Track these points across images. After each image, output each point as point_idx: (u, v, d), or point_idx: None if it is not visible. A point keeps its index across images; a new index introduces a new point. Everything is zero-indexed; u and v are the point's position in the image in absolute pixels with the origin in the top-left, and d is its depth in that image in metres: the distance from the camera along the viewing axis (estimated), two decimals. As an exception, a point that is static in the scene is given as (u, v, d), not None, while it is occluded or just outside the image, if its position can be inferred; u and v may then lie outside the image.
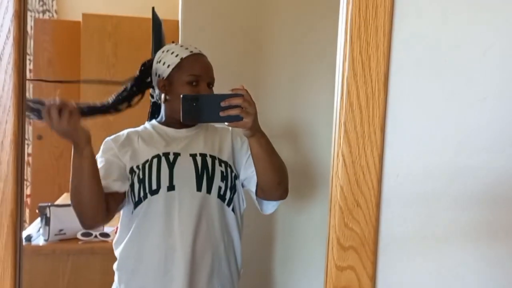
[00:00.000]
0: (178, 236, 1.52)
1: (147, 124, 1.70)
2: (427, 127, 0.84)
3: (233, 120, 1.34)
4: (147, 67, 1.71)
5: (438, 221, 0.86)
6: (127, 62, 3.89)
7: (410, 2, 0.81)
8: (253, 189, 1.60)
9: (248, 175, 1.60)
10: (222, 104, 1.33)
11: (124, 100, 1.68)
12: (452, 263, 0.88)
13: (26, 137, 4.50)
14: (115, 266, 1.62)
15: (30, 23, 4.48)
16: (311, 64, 2.31)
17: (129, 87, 1.69)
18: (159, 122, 1.69)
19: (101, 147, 1.63)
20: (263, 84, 2.32)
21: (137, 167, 1.56)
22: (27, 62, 4.51)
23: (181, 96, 1.35)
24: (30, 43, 4.41)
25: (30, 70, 4.45)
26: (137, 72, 1.72)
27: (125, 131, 1.67)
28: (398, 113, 0.84)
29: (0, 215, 0.76)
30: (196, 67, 1.61)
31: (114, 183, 1.54)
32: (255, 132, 1.42)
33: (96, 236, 2.44)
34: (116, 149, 1.59)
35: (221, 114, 1.33)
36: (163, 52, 1.68)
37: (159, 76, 1.66)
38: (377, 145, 0.82)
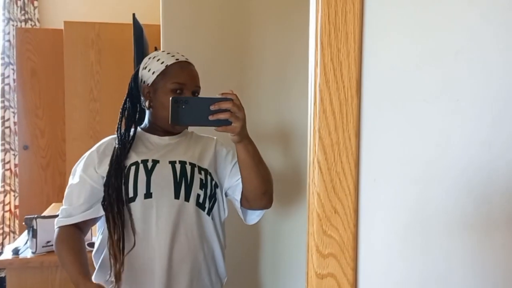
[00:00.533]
0: (155, 244, 1.52)
1: (131, 131, 1.69)
2: (402, 131, 0.83)
3: (222, 124, 1.34)
4: (135, 77, 1.70)
5: (417, 225, 0.86)
6: (111, 68, 3.88)
7: (378, 8, 0.80)
8: (238, 197, 1.59)
9: (233, 184, 1.60)
10: (212, 107, 1.32)
11: (132, 118, 1.68)
12: (435, 267, 0.88)
13: (13, 147, 4.47)
14: (93, 277, 1.60)
15: (12, 32, 4.45)
16: (295, 67, 2.31)
17: (125, 104, 1.68)
18: (143, 129, 1.68)
19: (84, 160, 1.62)
20: (247, 89, 2.31)
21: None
22: (10, 71, 4.48)
23: (171, 98, 1.35)
24: (13, 53, 4.38)
25: (14, 80, 4.42)
26: (129, 85, 1.71)
27: (107, 138, 1.67)
28: (372, 118, 0.84)
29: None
30: (181, 75, 1.60)
31: (89, 212, 1.56)
32: (243, 138, 1.42)
33: (84, 246, 2.43)
34: (96, 161, 1.59)
35: (210, 118, 1.32)
36: (149, 58, 1.68)
37: (144, 82, 1.66)
38: (352, 150, 0.82)
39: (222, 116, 1.33)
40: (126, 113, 1.67)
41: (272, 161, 1.59)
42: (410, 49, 0.83)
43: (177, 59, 1.64)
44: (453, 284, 0.86)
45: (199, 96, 1.63)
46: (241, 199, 1.60)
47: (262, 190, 1.54)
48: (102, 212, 1.55)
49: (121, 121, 1.67)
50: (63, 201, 1.62)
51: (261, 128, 2.29)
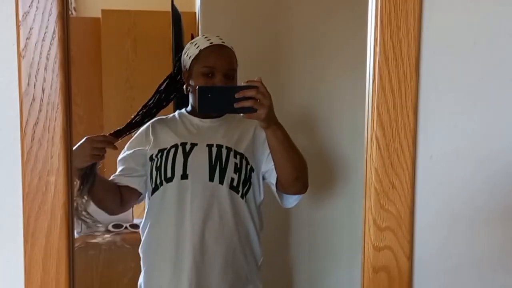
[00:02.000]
0: (188, 225, 1.57)
1: (176, 113, 1.75)
2: (459, 109, 0.85)
3: (247, 111, 1.36)
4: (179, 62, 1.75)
5: (471, 201, 0.88)
6: (147, 57, 3.94)
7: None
8: (274, 182, 1.61)
9: (269, 168, 1.62)
10: (236, 95, 1.35)
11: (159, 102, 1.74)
12: (486, 242, 0.90)
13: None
14: (139, 248, 1.71)
15: (50, 21, 4.55)
16: (329, 53, 2.32)
17: (159, 88, 1.74)
18: (187, 112, 1.73)
19: (136, 134, 1.69)
20: (282, 74, 2.33)
21: (156, 155, 1.63)
22: (49, 60, 4.59)
23: (197, 87, 1.39)
24: (51, 42, 4.48)
25: (52, 68, 4.52)
26: (172, 69, 1.76)
27: (153, 120, 1.72)
28: (430, 95, 0.86)
29: (54, 207, 0.80)
30: (211, 59, 1.63)
31: (127, 179, 1.65)
32: (270, 124, 1.43)
33: (126, 228, 2.51)
34: (144, 139, 1.67)
35: (236, 105, 1.35)
36: (190, 43, 1.72)
37: (184, 67, 1.70)
38: (410, 127, 0.84)
39: (246, 103, 1.36)
40: (158, 96, 1.73)
41: (304, 148, 1.59)
42: (467, 28, 0.85)
43: (211, 43, 1.67)
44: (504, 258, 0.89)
45: (236, 78, 1.65)
46: (276, 183, 1.62)
47: (294, 175, 1.55)
48: (136, 186, 1.66)
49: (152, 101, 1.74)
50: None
51: (292, 114, 2.30)
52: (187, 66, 1.68)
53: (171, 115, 1.76)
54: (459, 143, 0.87)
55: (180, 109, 1.77)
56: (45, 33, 0.78)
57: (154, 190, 1.63)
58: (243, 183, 1.62)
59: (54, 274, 0.81)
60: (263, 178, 1.69)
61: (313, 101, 2.34)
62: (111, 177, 1.69)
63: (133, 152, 1.67)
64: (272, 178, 1.62)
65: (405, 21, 0.81)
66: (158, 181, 1.61)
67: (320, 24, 2.31)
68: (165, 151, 1.62)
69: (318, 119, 2.35)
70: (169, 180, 1.60)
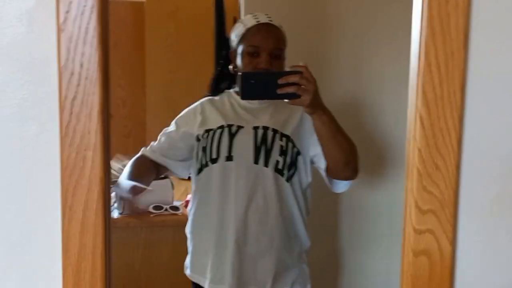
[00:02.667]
0: (232, 207, 1.57)
1: (225, 94, 1.74)
2: (510, 86, 0.81)
3: (291, 97, 1.34)
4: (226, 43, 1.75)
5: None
6: (189, 40, 3.96)
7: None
8: (323, 166, 1.58)
9: (318, 152, 1.57)
10: (279, 81, 1.32)
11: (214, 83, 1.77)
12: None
13: (96, 117, 4.69)
14: (186, 229, 1.73)
15: (95, 6, 4.63)
16: (376, 36, 2.26)
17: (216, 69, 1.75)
18: (236, 92, 1.71)
19: (186, 112, 1.72)
20: (328, 58, 2.29)
21: (202, 135, 1.63)
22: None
23: (239, 73, 1.37)
24: (96, 26, 4.56)
25: (97, 52, 4.61)
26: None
27: (203, 99, 1.72)
28: (479, 72, 0.81)
29: (90, 182, 0.80)
30: (256, 38, 1.60)
31: (171, 162, 1.69)
32: (316, 109, 1.39)
33: (166, 209, 2.53)
34: (192, 118, 1.69)
35: (279, 91, 1.33)
36: (238, 22, 1.70)
37: (231, 47, 1.68)
38: (457, 106, 0.80)
39: (289, 89, 1.33)
40: (214, 78, 1.74)
41: (354, 133, 1.54)
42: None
43: (258, 21, 1.64)
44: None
45: (283, 59, 1.62)
46: (325, 168, 1.59)
47: (343, 161, 1.51)
48: (179, 172, 1.71)
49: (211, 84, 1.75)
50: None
51: (339, 98, 2.25)
52: (233, 46, 1.66)
53: (220, 95, 1.75)
54: (509, 124, 0.82)
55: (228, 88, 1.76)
56: (84, 6, 0.77)
57: (200, 170, 1.63)
58: (289, 166, 1.59)
59: (91, 248, 0.82)
60: (312, 162, 1.65)
61: (361, 85, 2.29)
62: (153, 148, 1.70)
63: (182, 133, 1.68)
64: (321, 163, 1.59)
65: (454, -7, 0.77)
66: (204, 161, 1.61)
67: (370, 5, 2.24)
68: (211, 132, 1.62)
69: (366, 103, 2.30)
70: (214, 161, 1.60)
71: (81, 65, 0.79)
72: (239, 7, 2.77)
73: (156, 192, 2.62)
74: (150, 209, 2.52)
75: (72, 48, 0.78)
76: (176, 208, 2.53)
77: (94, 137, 0.80)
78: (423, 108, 0.81)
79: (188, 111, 1.72)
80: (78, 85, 0.79)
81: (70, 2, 0.77)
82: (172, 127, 1.72)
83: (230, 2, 2.91)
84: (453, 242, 0.84)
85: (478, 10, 0.80)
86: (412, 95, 0.83)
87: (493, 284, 0.87)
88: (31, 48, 0.81)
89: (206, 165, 1.60)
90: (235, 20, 2.82)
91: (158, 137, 1.73)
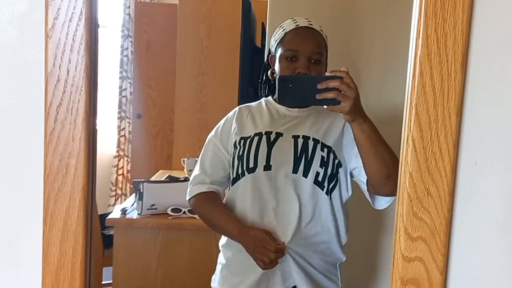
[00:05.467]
0: (269, 218, 1.52)
1: (262, 100, 1.70)
2: (510, 113, 0.76)
3: (330, 103, 1.28)
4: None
5: (521, 215, 0.79)
6: (220, 43, 3.97)
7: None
8: (364, 180, 1.49)
9: (358, 165, 1.49)
10: (319, 86, 1.27)
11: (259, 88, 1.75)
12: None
13: (128, 115, 4.76)
14: (220, 242, 1.67)
15: (132, 6, 4.70)
16: (406, 45, 2.19)
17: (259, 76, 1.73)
18: (274, 99, 1.66)
19: (223, 120, 1.69)
20: (362, 65, 2.22)
21: (239, 143, 1.58)
22: (129, 44, 4.75)
23: (277, 77, 1.33)
24: (132, 26, 4.64)
25: (131, 52, 4.68)
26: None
27: (241, 106, 1.69)
28: (477, 96, 0.77)
29: (73, 190, 0.80)
30: (294, 42, 1.53)
31: (215, 187, 1.63)
32: (356, 117, 1.31)
33: (185, 213, 2.53)
34: (229, 126, 1.65)
35: (318, 96, 1.27)
36: (278, 27, 1.64)
37: (270, 51, 1.65)
38: (452, 130, 0.76)
39: (329, 95, 1.28)
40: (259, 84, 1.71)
41: (397, 145, 1.43)
42: (527, 21, 0.75)
43: (297, 25, 1.57)
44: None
45: (324, 64, 1.57)
46: (367, 182, 1.49)
47: (384, 174, 1.40)
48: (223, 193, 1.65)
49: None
50: (197, 164, 1.70)
51: (381, 107, 2.17)
52: (272, 50, 1.63)
53: (257, 102, 1.71)
54: (509, 152, 0.77)
55: (266, 96, 1.72)
56: (72, 13, 0.77)
57: (236, 179, 1.58)
58: (329, 179, 1.53)
59: (70, 257, 0.81)
60: (351, 176, 1.58)
61: (403, 94, 2.21)
62: (213, 180, 1.66)
63: (225, 149, 1.64)
64: (362, 177, 1.49)
65: (453, 12, 0.73)
66: (240, 171, 1.55)
67: (397, 11, 2.17)
68: (248, 140, 1.57)
69: (392, 115, 2.22)
70: (251, 170, 1.54)
71: (68, 72, 0.78)
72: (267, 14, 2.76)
73: (175, 194, 2.63)
74: (169, 211, 2.53)
75: (59, 54, 0.78)
76: (194, 212, 2.54)
77: (78, 145, 0.79)
78: (415, 130, 0.77)
79: (225, 120, 1.68)
80: (64, 92, 0.79)
81: (59, 9, 0.77)
82: (213, 137, 1.68)
83: (258, 8, 2.90)
84: (444, 271, 0.80)
85: (479, 30, 0.75)
86: (406, 116, 0.79)
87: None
88: (21, 53, 0.81)
89: (243, 174, 1.55)
90: (263, 26, 2.81)
91: (197, 165, 1.70)
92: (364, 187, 1.52)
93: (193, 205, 1.66)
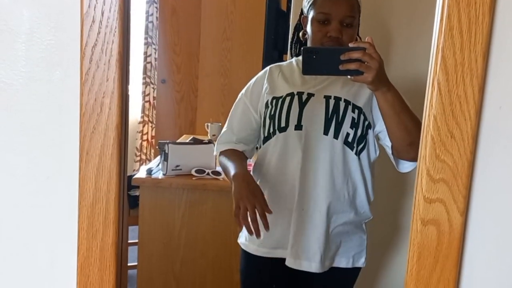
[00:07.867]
0: (298, 177, 1.55)
1: (293, 60, 1.71)
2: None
3: (353, 74, 1.30)
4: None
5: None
6: (245, 9, 3.96)
7: None
8: (389, 144, 1.52)
9: (384, 129, 1.51)
10: (342, 57, 1.28)
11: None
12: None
13: (152, 81, 4.80)
14: None
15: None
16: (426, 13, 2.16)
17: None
18: None
19: (254, 80, 1.71)
20: (396, 34, 2.20)
21: (271, 102, 1.60)
22: (154, 10, 4.76)
23: (302, 48, 1.35)
24: (158, -9, 4.64)
25: (156, 18, 4.70)
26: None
27: (271, 65, 1.71)
28: (505, 40, 0.77)
29: (107, 128, 0.83)
30: (326, 4, 1.53)
31: (241, 145, 1.68)
32: (379, 86, 1.32)
33: (208, 174, 2.58)
34: (260, 86, 1.67)
35: (341, 67, 1.29)
36: None
37: (302, 13, 1.66)
38: (478, 73, 0.77)
39: (352, 66, 1.29)
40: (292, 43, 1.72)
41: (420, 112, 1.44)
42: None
43: None
44: None
45: (356, 27, 1.57)
46: (391, 146, 1.52)
47: (408, 141, 1.42)
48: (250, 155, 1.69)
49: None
50: (226, 122, 1.73)
51: (408, 76, 2.16)
52: (305, 12, 1.63)
53: (288, 61, 1.73)
54: (534, 95, 0.78)
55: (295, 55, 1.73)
56: (107, -44, 0.79)
57: (267, 138, 1.61)
58: (359, 140, 1.55)
59: (105, 192, 0.85)
60: (377, 139, 1.61)
61: (410, 67, 2.20)
62: (239, 138, 1.70)
63: (255, 110, 1.67)
64: (387, 141, 1.52)
65: (482, -47, 0.73)
66: (271, 129, 1.58)
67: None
68: (280, 99, 1.59)
69: (413, 87, 2.20)
70: (282, 129, 1.56)
71: (102, 13, 0.81)
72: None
73: (199, 156, 2.68)
74: (193, 172, 2.58)
75: (94, -4, 0.81)
76: (217, 173, 2.58)
77: (112, 84, 0.83)
78: (441, 73, 0.78)
79: (256, 79, 1.69)
80: (99, 33, 0.81)
81: (94, -49, 0.79)
82: (243, 96, 1.70)
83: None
84: (465, 213, 0.82)
85: (508, -27, 0.76)
86: (432, 60, 0.80)
87: (503, 260, 0.84)
88: (58, -5, 0.84)
89: (274, 133, 1.57)
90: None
91: (232, 113, 1.72)
92: (389, 150, 1.55)
93: (219, 162, 1.71)
